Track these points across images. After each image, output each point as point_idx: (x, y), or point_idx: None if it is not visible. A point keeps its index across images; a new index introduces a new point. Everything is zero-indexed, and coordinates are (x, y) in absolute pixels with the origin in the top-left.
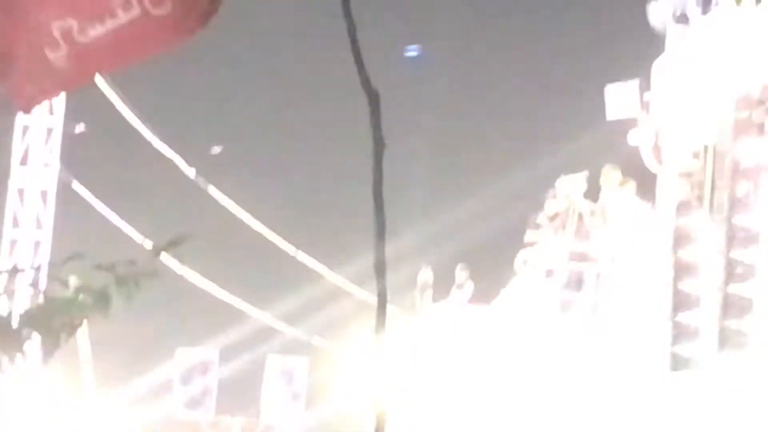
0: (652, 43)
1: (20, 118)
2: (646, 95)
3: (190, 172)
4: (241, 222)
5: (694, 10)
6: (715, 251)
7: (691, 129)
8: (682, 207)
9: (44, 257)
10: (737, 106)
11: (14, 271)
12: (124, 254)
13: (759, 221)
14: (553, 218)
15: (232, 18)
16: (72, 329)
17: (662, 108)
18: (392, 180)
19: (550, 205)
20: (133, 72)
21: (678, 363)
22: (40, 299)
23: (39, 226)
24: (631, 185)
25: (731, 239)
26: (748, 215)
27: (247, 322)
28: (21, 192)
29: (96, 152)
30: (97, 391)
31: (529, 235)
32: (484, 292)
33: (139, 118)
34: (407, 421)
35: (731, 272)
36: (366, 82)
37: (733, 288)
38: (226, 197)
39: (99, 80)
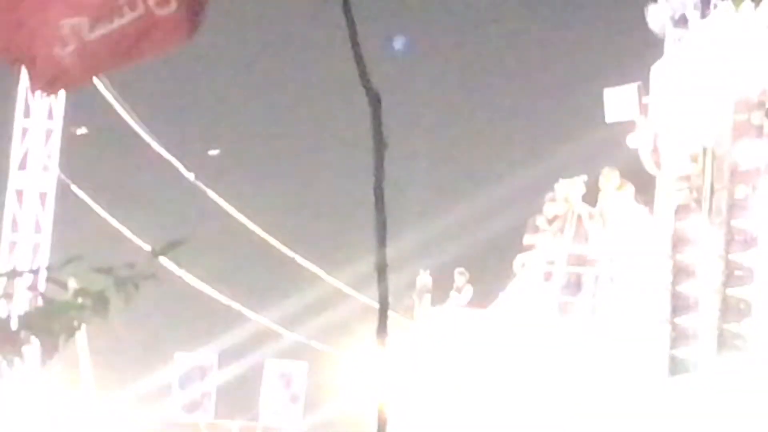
0: (651, 46)
1: (19, 121)
2: (645, 98)
3: (189, 175)
4: (241, 225)
5: (692, 14)
6: (714, 254)
7: (690, 132)
8: (681, 210)
9: (43, 260)
10: (736, 109)
11: (13, 274)
12: (123, 257)
13: (757, 224)
14: (552, 221)
15: (231, 21)
16: (71, 332)
17: (661, 111)
18: (390, 183)
19: (549, 209)
20: (132, 74)
21: (676, 366)
22: (39, 302)
23: (38, 228)
24: (630, 188)
25: (730, 242)
26: (747, 218)
27: (246, 326)
28: (20, 194)
29: (95, 155)
30: (96, 394)
31: (528, 238)
32: (483, 296)
33: (138, 120)
34: (407, 424)
35: (730, 275)
36: (367, 83)
37: (732, 291)
38: (225, 200)
39: (98, 82)
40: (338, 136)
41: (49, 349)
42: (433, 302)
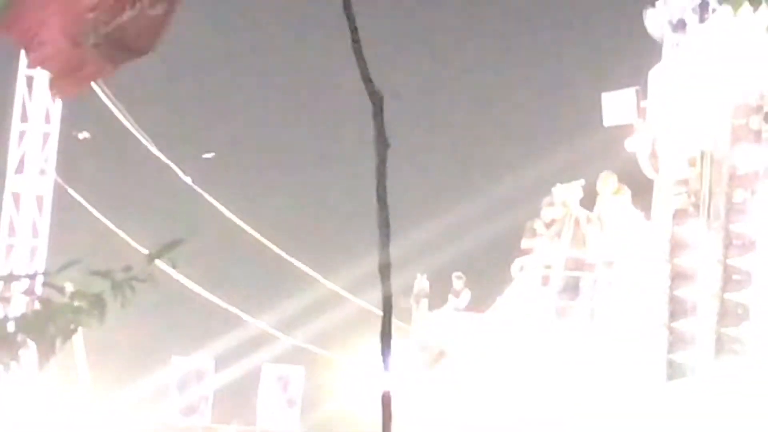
0: (649, 50)
1: (17, 124)
2: (643, 102)
3: (187, 178)
4: (238, 228)
5: (690, 18)
6: (712, 258)
7: (688, 136)
8: (679, 214)
9: (40, 263)
10: (734, 113)
11: (10, 278)
12: (120, 261)
13: (756, 228)
14: (549, 225)
15: (230, 21)
16: (67, 335)
17: (659, 115)
18: (388, 186)
19: (547, 212)
20: (128, 78)
21: (674, 370)
22: (36, 306)
23: (35, 232)
24: (627, 192)
25: (728, 246)
26: (745, 222)
27: (243, 329)
28: (17, 198)
29: (92, 158)
30: (93, 397)
31: (526, 242)
32: (481, 300)
33: (135, 124)
34: (406, 427)
35: (728, 279)
36: (369, 84)
37: (730, 295)
38: (222, 204)
39: (95, 86)
40: (336, 140)
41: (46, 352)
42: (431, 306)
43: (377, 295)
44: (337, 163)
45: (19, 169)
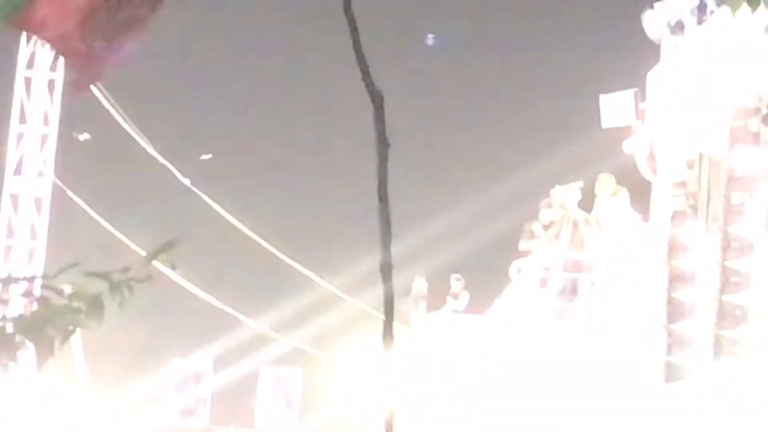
0: (648, 52)
1: (15, 126)
2: (642, 104)
3: (185, 180)
4: (236, 230)
5: (689, 20)
6: (710, 260)
7: (687, 138)
8: (677, 216)
9: (39, 266)
10: (732, 115)
11: (8, 281)
12: (118, 262)
13: (753, 230)
14: (547, 227)
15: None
16: (66, 336)
17: (657, 117)
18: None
19: (545, 214)
20: (127, 79)
21: (672, 372)
22: (34, 307)
23: (33, 234)
24: (626, 194)
25: (726, 248)
26: (743, 224)
27: (241, 331)
28: (15, 199)
29: (91, 160)
30: (91, 399)
31: (524, 244)
32: (479, 302)
33: (133, 125)
34: (404, 429)
35: (726, 281)
36: (370, 84)
37: (728, 297)
38: (221, 205)
39: (93, 87)
40: (334, 141)
41: (44, 353)
42: (429, 308)
43: (376, 296)
44: (336, 165)
45: (18, 171)
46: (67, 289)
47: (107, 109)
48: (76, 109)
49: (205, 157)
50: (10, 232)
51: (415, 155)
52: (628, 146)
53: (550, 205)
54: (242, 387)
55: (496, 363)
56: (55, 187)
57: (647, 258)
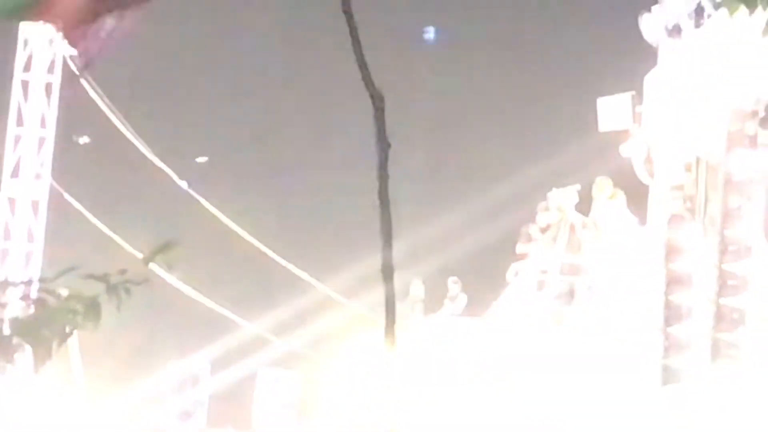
0: (645, 55)
1: (12, 129)
2: (639, 108)
3: (182, 182)
4: (233, 233)
5: (686, 24)
6: (708, 263)
7: (684, 141)
8: (674, 219)
9: (36, 269)
10: (729, 118)
11: (6, 284)
12: (115, 265)
13: (751, 233)
14: (545, 230)
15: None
16: (63, 338)
17: (655, 120)
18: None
19: (542, 218)
20: (124, 81)
21: (670, 375)
22: (31, 310)
23: (30, 237)
24: (623, 197)
25: (723, 251)
26: (740, 227)
27: (239, 334)
28: (12, 202)
29: (88, 163)
30: (88, 402)
31: (521, 247)
32: (476, 305)
33: (130, 128)
34: (405, 429)
35: (723, 284)
36: (370, 84)
37: (725, 300)
38: (218, 208)
39: (90, 90)
40: (332, 144)
41: (42, 356)
42: (426, 311)
43: (373, 299)
44: (335, 167)
45: (15, 174)
46: (64, 292)
47: (104, 112)
48: (74, 113)
49: (200, 159)
50: (7, 235)
51: (411, 159)
52: (625, 149)
53: (547, 209)
54: (240, 390)
55: (494, 366)
56: (52, 189)
57: (644, 261)
